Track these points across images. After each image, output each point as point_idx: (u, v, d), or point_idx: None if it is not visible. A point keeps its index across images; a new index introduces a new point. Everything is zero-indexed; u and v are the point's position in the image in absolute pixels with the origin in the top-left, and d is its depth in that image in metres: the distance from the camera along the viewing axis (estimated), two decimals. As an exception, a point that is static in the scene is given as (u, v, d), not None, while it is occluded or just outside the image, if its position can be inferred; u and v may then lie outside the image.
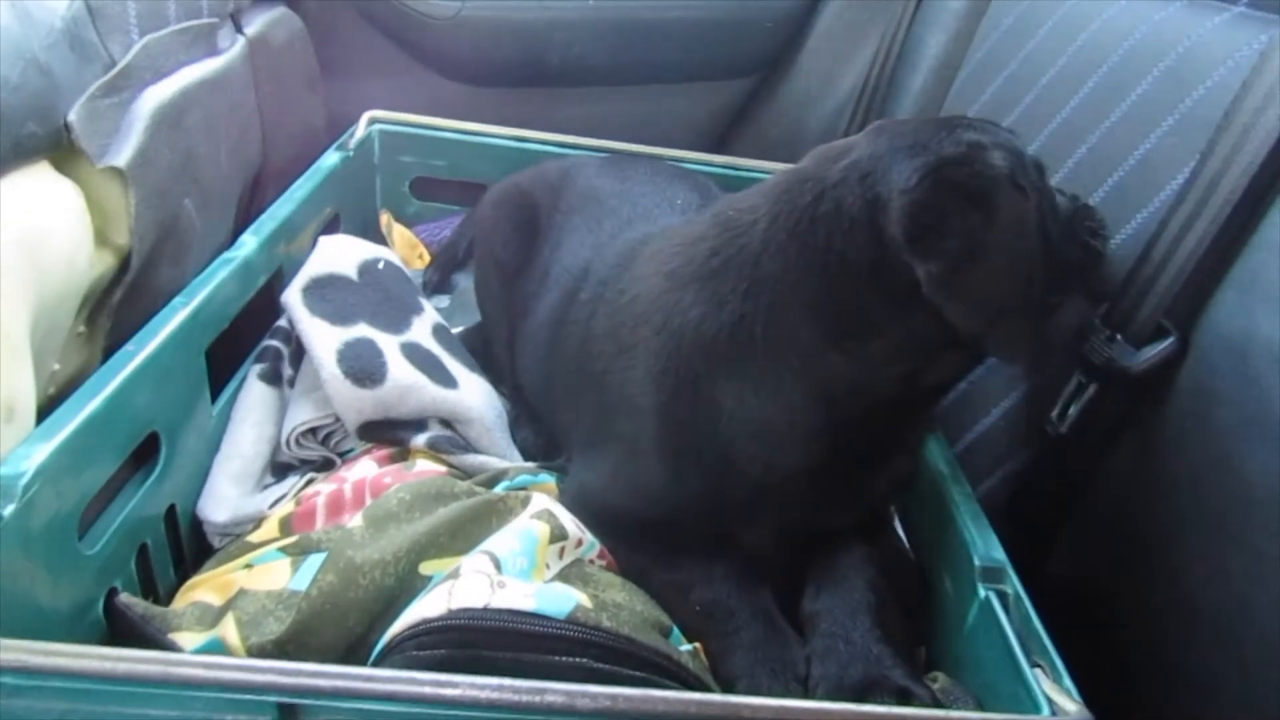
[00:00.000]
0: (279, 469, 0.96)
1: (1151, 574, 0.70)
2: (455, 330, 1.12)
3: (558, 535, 0.71)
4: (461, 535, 0.73)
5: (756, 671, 0.66)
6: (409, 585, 0.70)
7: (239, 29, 1.08)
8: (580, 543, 0.73)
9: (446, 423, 0.96)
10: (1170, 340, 0.68)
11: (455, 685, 0.48)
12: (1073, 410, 0.75)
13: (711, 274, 0.73)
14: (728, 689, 0.65)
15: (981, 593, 0.63)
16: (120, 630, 0.70)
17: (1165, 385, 0.69)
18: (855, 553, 0.73)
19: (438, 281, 1.31)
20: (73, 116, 0.69)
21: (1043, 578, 0.71)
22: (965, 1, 1.25)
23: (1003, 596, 0.62)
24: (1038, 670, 0.56)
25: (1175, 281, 0.68)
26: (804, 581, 0.72)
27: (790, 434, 0.70)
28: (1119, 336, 0.72)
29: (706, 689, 0.62)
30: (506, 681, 0.49)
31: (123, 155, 0.73)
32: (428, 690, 0.48)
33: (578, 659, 0.58)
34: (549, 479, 0.87)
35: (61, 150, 0.70)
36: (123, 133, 0.75)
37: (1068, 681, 0.56)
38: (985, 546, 0.66)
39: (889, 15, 1.38)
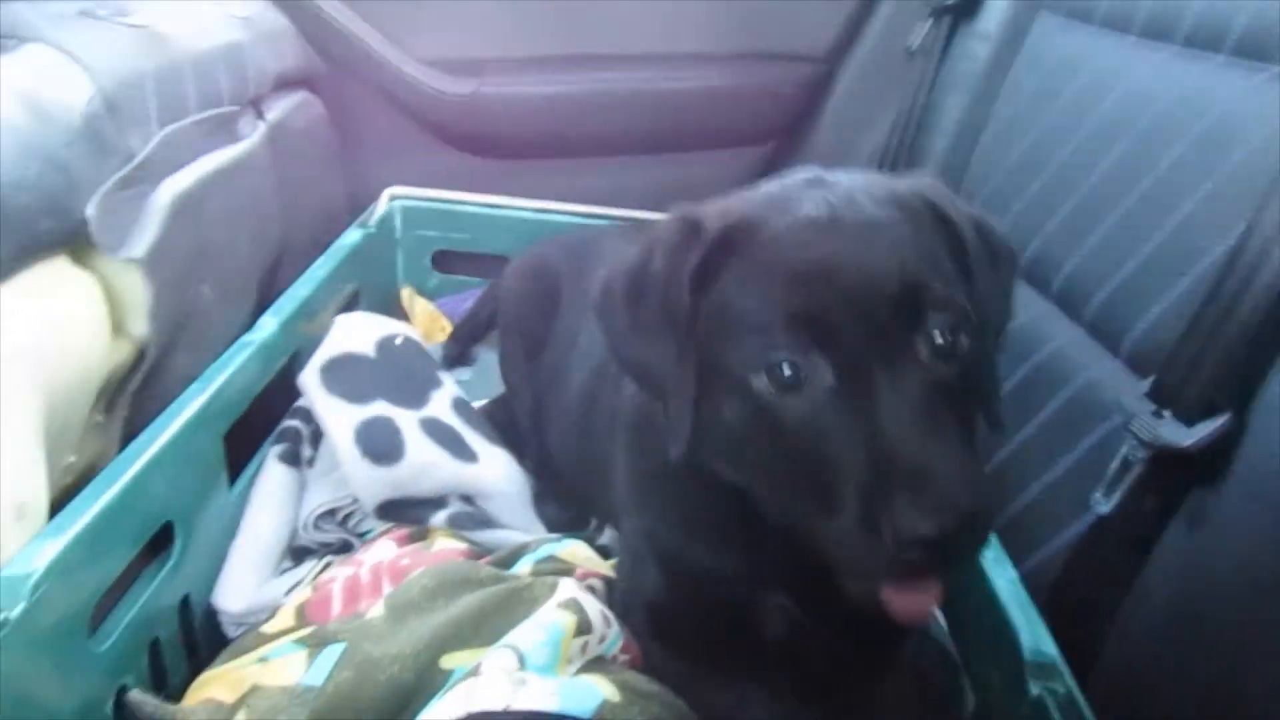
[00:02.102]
0: (296, 553, 0.94)
1: (1211, 667, 0.65)
2: (478, 404, 1.10)
3: (583, 629, 0.68)
4: (485, 626, 0.70)
5: None
6: (428, 680, 0.67)
7: (260, 115, 1.09)
8: (604, 639, 0.70)
9: (467, 498, 0.94)
10: (1225, 418, 0.65)
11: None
12: (1119, 488, 0.72)
13: None
14: None
15: (1033, 691, 0.59)
16: (131, 730, 0.68)
17: (1221, 464, 0.65)
18: (888, 696, 0.69)
19: (457, 354, 1.30)
20: (90, 211, 0.69)
21: (1090, 669, 0.67)
22: (985, 64, 1.24)
23: (1055, 695, 0.58)
24: (1097, 780, 0.52)
25: (1227, 356, 0.65)
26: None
27: (709, 536, 0.67)
28: (1166, 413, 0.69)
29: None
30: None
31: (139, 246, 0.73)
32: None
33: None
34: (573, 543, 0.84)
35: (79, 243, 0.70)
36: (140, 224, 0.75)
37: (1132, 795, 0.52)
38: (1034, 639, 0.62)
39: (908, 80, 1.37)
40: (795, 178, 0.62)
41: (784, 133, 1.51)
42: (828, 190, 0.58)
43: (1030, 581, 0.70)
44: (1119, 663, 0.68)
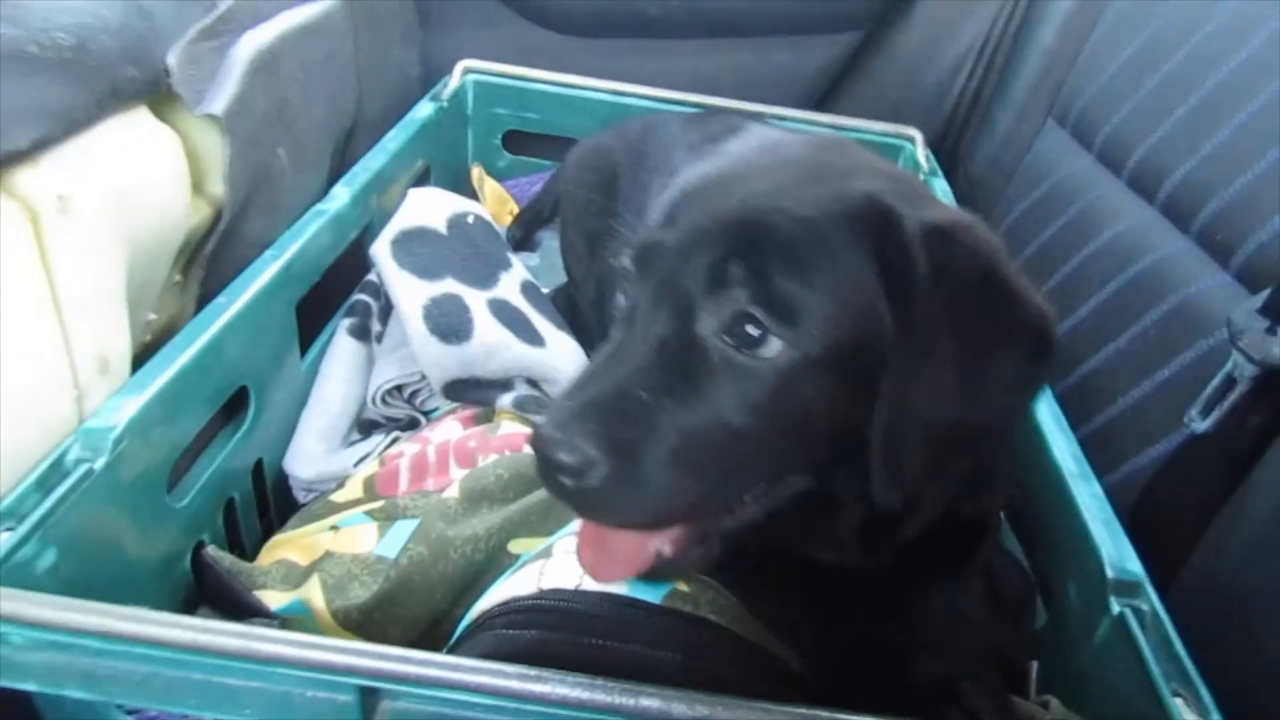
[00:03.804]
0: (364, 426, 0.95)
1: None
2: (544, 291, 1.09)
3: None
4: (553, 516, 0.72)
5: None
6: (496, 562, 0.69)
7: (338, -28, 1.05)
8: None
9: (533, 382, 0.94)
10: (1346, 338, 0.60)
11: (543, 681, 0.45)
12: (1220, 406, 0.68)
13: None
14: None
15: (1115, 607, 0.57)
16: (206, 584, 0.70)
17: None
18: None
19: (520, 239, 1.29)
20: (172, 60, 0.67)
21: (1170, 585, 0.65)
22: (1106, -50, 1.14)
23: (1139, 614, 0.56)
24: (1179, 700, 0.51)
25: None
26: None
27: None
28: (1281, 330, 0.64)
29: (808, 687, 0.58)
30: (598, 681, 0.46)
31: (219, 102, 0.71)
32: (514, 685, 0.45)
33: (671, 653, 0.55)
34: None
35: (160, 95, 0.68)
36: (219, 79, 0.73)
37: (1217, 717, 0.50)
38: (1119, 556, 0.60)
39: (1020, -37, 1.27)
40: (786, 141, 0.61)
41: (873, 20, 1.42)
42: (777, 157, 0.57)
43: (1114, 496, 0.68)
44: (1202, 581, 0.66)
